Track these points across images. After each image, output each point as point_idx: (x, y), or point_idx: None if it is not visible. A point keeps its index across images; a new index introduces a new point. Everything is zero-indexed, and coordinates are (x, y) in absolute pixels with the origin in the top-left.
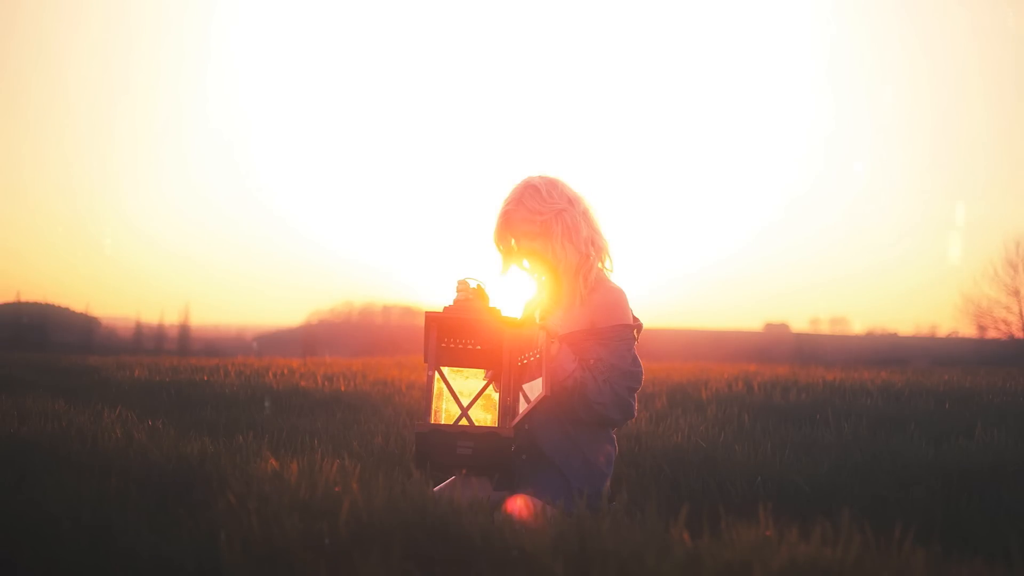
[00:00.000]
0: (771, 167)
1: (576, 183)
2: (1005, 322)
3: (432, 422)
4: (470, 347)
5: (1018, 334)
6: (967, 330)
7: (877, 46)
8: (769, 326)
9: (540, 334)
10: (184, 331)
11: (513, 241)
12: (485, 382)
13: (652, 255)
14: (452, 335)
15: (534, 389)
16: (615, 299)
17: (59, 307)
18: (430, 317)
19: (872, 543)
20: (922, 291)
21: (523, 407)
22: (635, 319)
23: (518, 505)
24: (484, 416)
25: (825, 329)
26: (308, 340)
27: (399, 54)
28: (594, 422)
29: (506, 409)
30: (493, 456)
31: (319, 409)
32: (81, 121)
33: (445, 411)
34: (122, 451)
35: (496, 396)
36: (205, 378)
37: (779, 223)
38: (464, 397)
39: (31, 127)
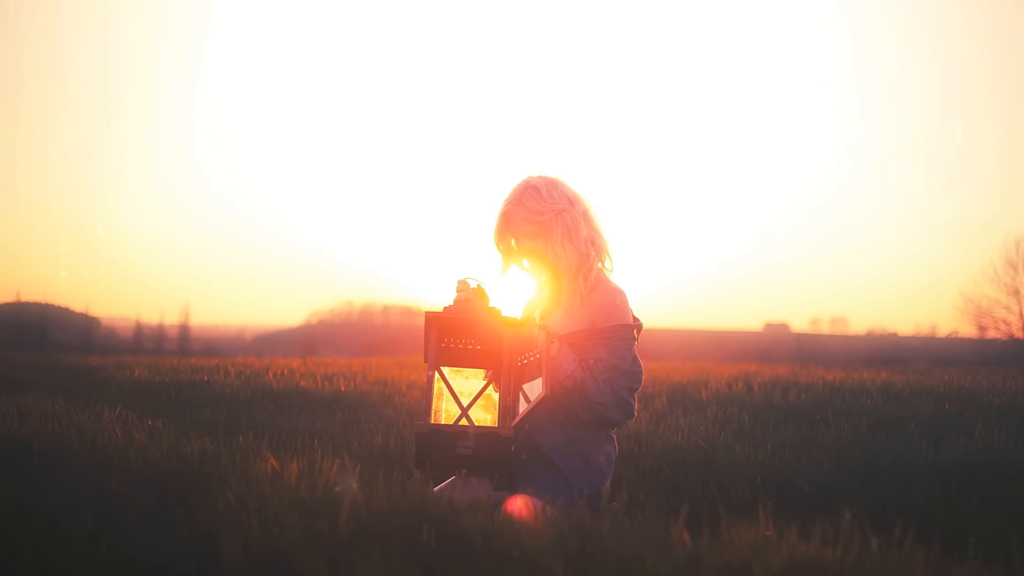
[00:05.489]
0: (772, 168)
1: (576, 183)
2: (1005, 322)
3: (432, 422)
4: (470, 347)
5: (1018, 334)
6: (967, 330)
7: (877, 46)
8: (769, 326)
9: (540, 334)
10: (184, 331)
11: (513, 241)
12: (485, 382)
13: (653, 256)
14: (452, 335)
15: (534, 389)
16: (615, 299)
17: (59, 307)
18: (430, 317)
19: (872, 543)
20: (922, 291)
21: (523, 407)
22: (635, 319)
23: (518, 505)
24: (484, 416)
25: (825, 329)
26: (308, 340)
27: (398, 54)
28: (594, 422)
29: (506, 409)
30: (493, 456)
31: (319, 409)
32: (80, 121)
33: (445, 411)
34: (122, 451)
35: (496, 396)
36: (205, 378)
37: (780, 224)
38: (464, 397)
39: (30, 127)
